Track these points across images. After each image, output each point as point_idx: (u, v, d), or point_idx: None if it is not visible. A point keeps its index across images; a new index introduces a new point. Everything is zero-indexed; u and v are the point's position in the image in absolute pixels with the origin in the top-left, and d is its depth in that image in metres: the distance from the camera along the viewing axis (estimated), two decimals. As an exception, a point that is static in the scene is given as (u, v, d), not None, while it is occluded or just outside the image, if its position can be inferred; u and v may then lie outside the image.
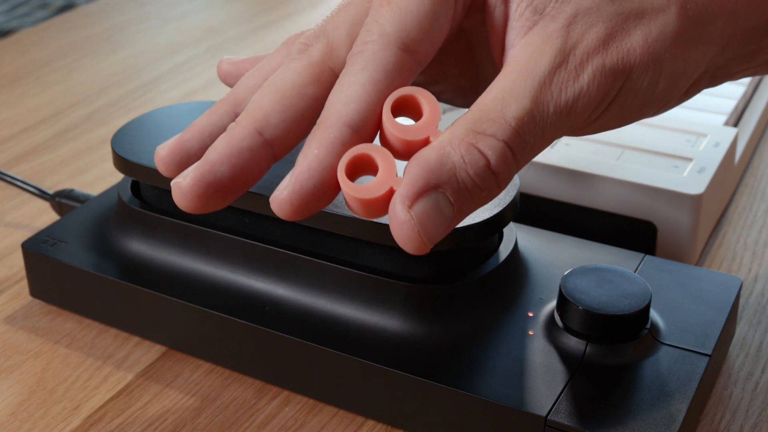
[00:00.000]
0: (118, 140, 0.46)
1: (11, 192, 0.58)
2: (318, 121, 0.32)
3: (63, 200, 0.51)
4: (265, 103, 0.33)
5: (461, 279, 0.41)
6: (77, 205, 0.51)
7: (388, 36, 0.32)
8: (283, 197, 0.31)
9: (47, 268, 0.46)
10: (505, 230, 0.44)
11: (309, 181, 0.31)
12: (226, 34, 0.83)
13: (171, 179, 0.33)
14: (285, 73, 0.34)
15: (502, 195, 0.41)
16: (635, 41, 0.32)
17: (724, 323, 0.41)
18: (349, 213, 0.40)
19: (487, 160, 0.30)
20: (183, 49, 0.80)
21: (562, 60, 0.31)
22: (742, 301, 0.47)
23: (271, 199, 0.31)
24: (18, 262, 0.51)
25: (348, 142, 0.31)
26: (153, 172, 0.44)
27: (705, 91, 0.59)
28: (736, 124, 0.58)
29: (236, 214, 0.44)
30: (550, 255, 0.44)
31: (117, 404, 0.42)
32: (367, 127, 0.31)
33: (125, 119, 0.68)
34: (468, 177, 0.30)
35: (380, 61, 0.32)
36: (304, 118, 0.33)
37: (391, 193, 0.30)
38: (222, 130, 0.34)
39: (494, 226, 0.40)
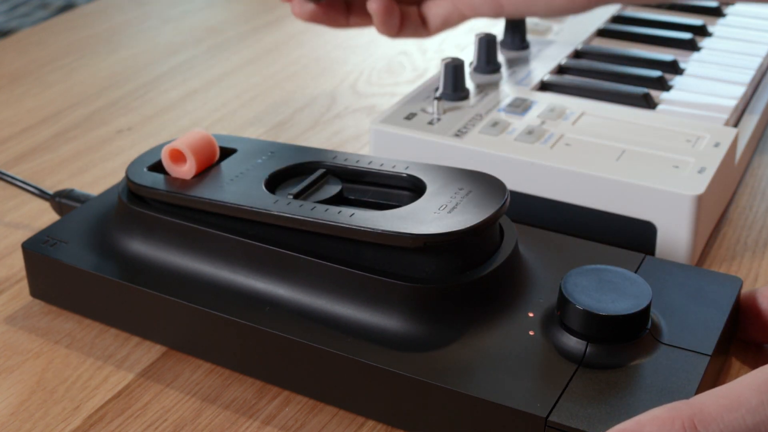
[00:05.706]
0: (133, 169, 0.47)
1: (11, 192, 0.58)
2: None
3: (63, 200, 0.51)
4: None
5: (461, 279, 0.41)
6: (77, 205, 0.51)
7: None
8: None
9: (47, 268, 0.46)
10: (506, 230, 0.44)
11: None
12: (226, 34, 0.83)
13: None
14: None
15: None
16: None
17: (725, 323, 0.41)
18: (349, 222, 0.40)
19: None
20: (183, 49, 0.80)
21: None
22: (742, 301, 0.47)
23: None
24: (18, 262, 0.51)
25: None
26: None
27: (705, 90, 0.59)
28: (736, 124, 0.58)
29: (237, 214, 0.44)
30: (550, 255, 0.44)
31: (117, 404, 0.42)
32: None
33: (125, 119, 0.68)
34: None
35: None
36: None
37: None
38: None
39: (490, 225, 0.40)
